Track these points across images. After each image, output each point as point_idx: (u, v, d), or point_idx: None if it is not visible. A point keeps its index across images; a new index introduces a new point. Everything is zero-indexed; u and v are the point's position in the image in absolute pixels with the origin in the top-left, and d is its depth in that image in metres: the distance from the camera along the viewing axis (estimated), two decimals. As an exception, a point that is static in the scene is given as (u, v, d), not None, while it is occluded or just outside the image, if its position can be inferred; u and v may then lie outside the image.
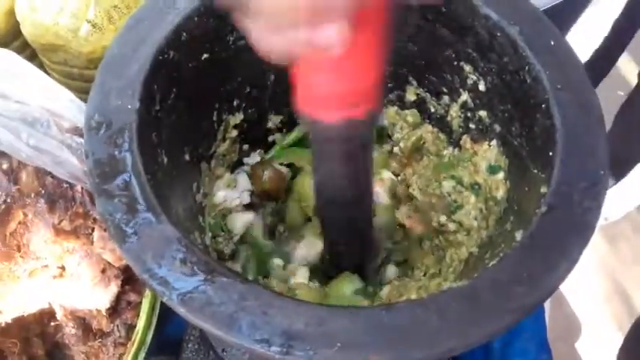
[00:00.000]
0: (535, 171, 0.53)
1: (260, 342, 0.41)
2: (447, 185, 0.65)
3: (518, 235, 0.50)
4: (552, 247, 0.45)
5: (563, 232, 0.46)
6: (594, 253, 1.82)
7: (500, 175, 0.61)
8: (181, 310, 0.43)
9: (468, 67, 0.63)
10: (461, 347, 0.42)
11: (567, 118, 0.51)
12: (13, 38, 0.80)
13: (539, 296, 0.43)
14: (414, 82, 0.70)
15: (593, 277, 1.80)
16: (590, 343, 1.69)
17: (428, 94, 0.70)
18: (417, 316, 0.42)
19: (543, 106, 0.53)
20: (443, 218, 0.65)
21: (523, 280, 0.44)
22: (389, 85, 0.72)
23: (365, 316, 0.42)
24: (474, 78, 0.63)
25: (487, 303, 0.43)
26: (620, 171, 1.55)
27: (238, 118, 0.71)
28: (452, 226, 0.64)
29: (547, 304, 1.13)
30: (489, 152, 0.63)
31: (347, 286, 0.62)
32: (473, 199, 0.63)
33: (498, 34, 0.57)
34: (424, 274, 0.65)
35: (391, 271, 0.66)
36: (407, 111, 0.73)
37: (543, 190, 0.49)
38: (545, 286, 0.44)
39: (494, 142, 0.63)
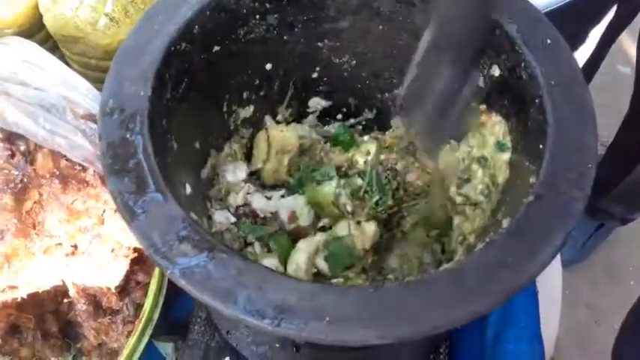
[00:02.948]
0: (527, 163, 0.55)
1: (254, 314, 0.43)
2: (463, 150, 0.68)
3: (505, 223, 0.51)
4: (537, 234, 0.47)
5: (548, 219, 0.48)
6: (610, 258, 1.82)
7: (506, 154, 0.63)
8: (182, 283, 0.45)
9: (468, 64, 0.65)
10: (445, 325, 0.44)
11: (559, 114, 0.53)
12: (37, 30, 0.83)
13: (522, 279, 0.45)
14: (418, 78, 0.72)
15: (607, 282, 1.79)
16: (601, 348, 1.68)
17: (431, 89, 0.72)
18: (404, 295, 0.45)
19: (537, 101, 0.55)
20: (453, 190, 0.68)
21: (508, 264, 0.46)
22: (394, 80, 0.75)
23: (354, 294, 0.45)
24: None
25: (472, 285, 0.45)
26: (631, 159, 1.53)
27: (248, 111, 0.74)
28: (459, 199, 0.67)
29: (561, 307, 1.13)
30: (497, 127, 0.65)
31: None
32: (480, 172, 0.65)
33: (497, 31, 0.59)
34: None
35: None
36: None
37: (532, 180, 0.51)
38: (529, 270, 0.46)
39: (500, 118, 0.64)
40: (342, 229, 0.70)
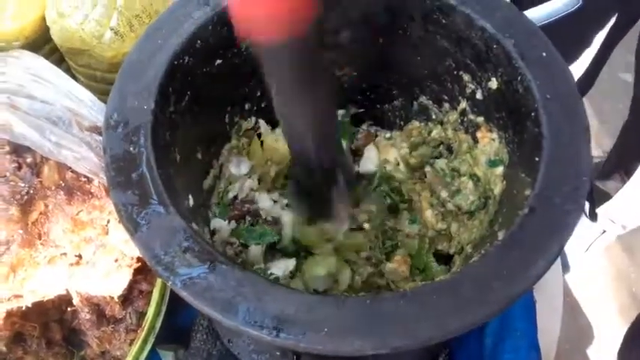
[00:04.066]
0: (523, 175, 0.56)
1: (253, 325, 0.45)
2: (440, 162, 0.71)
3: (501, 235, 0.52)
4: (531, 246, 0.48)
5: (543, 232, 0.49)
6: (612, 264, 1.82)
7: (499, 169, 0.64)
8: (183, 294, 0.46)
9: (466, 77, 0.66)
10: (440, 336, 0.45)
11: (554, 127, 0.54)
12: (45, 43, 0.85)
13: (516, 291, 0.46)
14: (418, 90, 0.74)
15: (610, 288, 1.79)
16: (604, 354, 1.69)
17: (430, 102, 0.73)
18: (400, 306, 0.46)
19: (533, 114, 0.56)
20: (444, 194, 0.70)
21: (501, 276, 0.47)
22: (393, 92, 0.76)
23: (351, 305, 0.46)
24: (472, 87, 0.66)
25: (466, 296, 0.46)
26: (633, 165, 1.53)
27: (251, 122, 0.75)
28: (450, 206, 0.69)
29: (562, 314, 1.13)
30: (489, 146, 0.66)
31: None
32: (471, 185, 0.67)
33: (494, 45, 0.60)
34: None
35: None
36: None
37: (527, 192, 0.52)
38: (522, 282, 0.47)
39: (495, 134, 0.66)
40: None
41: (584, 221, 1.76)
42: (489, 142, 0.65)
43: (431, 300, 0.46)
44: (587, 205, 1.71)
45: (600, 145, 1.94)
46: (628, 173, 1.54)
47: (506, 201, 0.60)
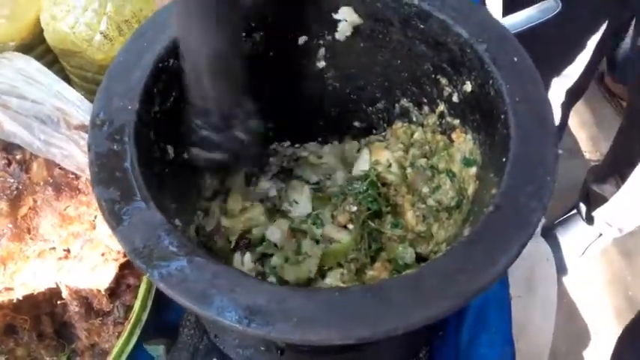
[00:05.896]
0: (492, 175, 0.58)
1: (226, 315, 0.46)
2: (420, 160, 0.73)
3: (466, 232, 0.54)
4: (495, 243, 0.50)
5: (507, 229, 0.50)
6: (609, 267, 1.82)
7: (473, 169, 0.66)
8: (160, 285, 0.48)
9: (444, 80, 0.68)
10: (403, 327, 0.47)
11: (522, 128, 0.56)
12: (39, 43, 0.87)
13: (478, 285, 0.48)
14: (399, 93, 0.76)
15: (606, 291, 1.80)
16: (600, 357, 1.69)
17: (411, 104, 0.75)
18: (366, 299, 0.47)
19: (502, 117, 0.58)
20: (425, 190, 0.72)
21: (465, 270, 0.48)
22: (377, 94, 0.78)
23: (320, 297, 0.48)
24: (449, 90, 0.68)
25: (431, 289, 0.48)
26: (627, 170, 1.54)
27: (238, 122, 0.77)
28: (431, 202, 0.71)
29: (558, 317, 1.14)
30: (464, 145, 0.68)
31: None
32: (449, 181, 0.69)
33: (468, 50, 0.62)
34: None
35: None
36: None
37: (494, 191, 0.54)
38: (486, 277, 0.48)
39: (469, 136, 0.68)
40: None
41: (580, 224, 1.76)
42: (464, 141, 0.67)
43: (396, 293, 0.47)
44: (583, 209, 1.72)
45: (598, 149, 1.95)
46: (623, 177, 1.55)
47: (478, 201, 0.62)
